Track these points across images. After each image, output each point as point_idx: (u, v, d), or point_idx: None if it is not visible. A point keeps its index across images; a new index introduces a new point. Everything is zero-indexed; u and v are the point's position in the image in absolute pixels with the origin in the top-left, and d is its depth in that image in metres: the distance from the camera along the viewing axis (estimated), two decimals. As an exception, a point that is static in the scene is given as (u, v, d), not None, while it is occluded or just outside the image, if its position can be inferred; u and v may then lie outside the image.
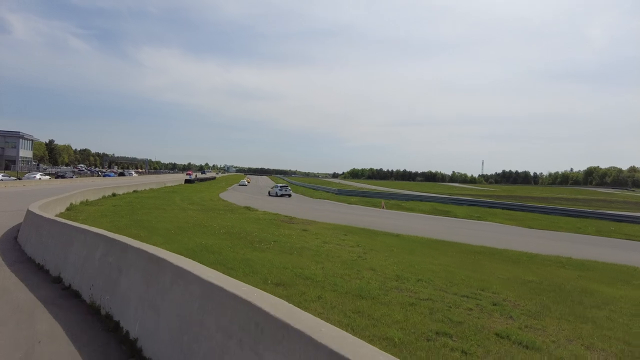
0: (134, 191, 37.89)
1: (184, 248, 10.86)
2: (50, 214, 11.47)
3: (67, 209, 21.40)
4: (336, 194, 51.15)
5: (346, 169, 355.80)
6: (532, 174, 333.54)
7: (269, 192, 49.10)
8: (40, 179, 48.46)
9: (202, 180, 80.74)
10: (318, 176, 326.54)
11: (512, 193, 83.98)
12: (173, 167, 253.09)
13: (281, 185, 49.58)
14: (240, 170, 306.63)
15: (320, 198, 44.18)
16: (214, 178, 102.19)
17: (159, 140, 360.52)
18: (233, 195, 44.05)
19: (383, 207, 31.47)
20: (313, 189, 68.45)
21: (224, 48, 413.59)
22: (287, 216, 21.87)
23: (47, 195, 32.55)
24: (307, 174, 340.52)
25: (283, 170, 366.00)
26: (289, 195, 45.09)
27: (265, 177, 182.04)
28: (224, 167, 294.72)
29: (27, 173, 54.99)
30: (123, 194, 34.33)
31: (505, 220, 26.18)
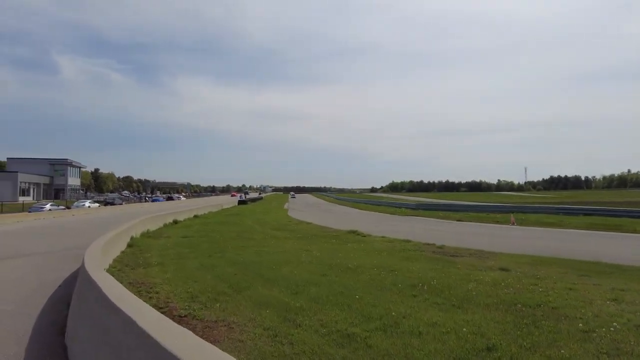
0: (195, 216, 32.77)
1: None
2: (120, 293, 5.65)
3: (129, 245, 15.95)
4: (414, 208, 44.40)
5: (380, 183, 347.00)
6: (582, 178, 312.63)
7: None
8: (89, 206, 44.75)
9: (253, 200, 75.97)
10: (356, 191, 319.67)
11: (582, 199, 73.88)
12: (212, 190, 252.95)
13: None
14: (276, 189, 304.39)
15: (401, 215, 37.53)
16: (261, 198, 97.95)
17: (196, 164, 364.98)
18: (301, 214, 38.24)
19: (513, 223, 24.45)
20: (374, 204, 61.87)
21: (252, 73, 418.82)
22: (430, 244, 15.45)
23: (99, 225, 28.29)
24: (342, 190, 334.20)
25: (318, 188, 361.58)
26: None
27: (307, 195, 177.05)
28: (260, 187, 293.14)
29: (75, 201, 51.62)
30: (184, 220, 29.17)
31: None
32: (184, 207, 39.61)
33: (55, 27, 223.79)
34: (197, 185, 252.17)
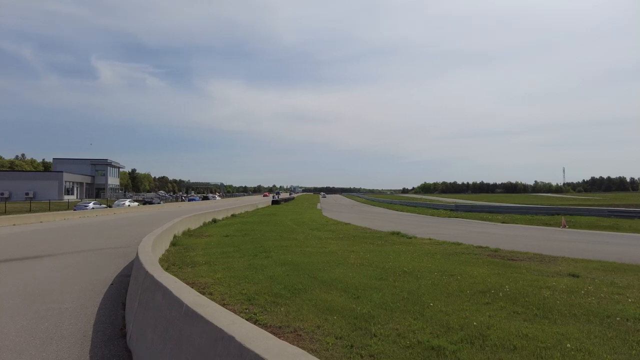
0: (232, 215, 32.90)
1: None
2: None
3: (172, 244, 15.96)
4: (453, 209, 43.08)
5: (410, 184, 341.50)
6: (627, 179, 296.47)
7: None
8: (129, 205, 45.97)
9: (285, 200, 76.16)
10: (386, 192, 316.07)
11: (632, 201, 69.51)
12: (244, 190, 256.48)
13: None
14: (306, 190, 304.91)
15: (442, 216, 36.38)
16: (293, 198, 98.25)
17: (228, 165, 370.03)
18: (337, 215, 37.77)
19: (564, 226, 23.06)
20: (410, 205, 60.60)
21: (282, 75, 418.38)
22: (482, 247, 14.62)
23: (141, 224, 28.98)
24: (371, 191, 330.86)
25: (348, 189, 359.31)
26: None
27: (338, 196, 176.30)
28: (290, 187, 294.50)
29: (116, 200, 53.19)
30: (223, 219, 29.32)
31: None
32: (220, 207, 39.94)
33: (94, 34, 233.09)
34: (230, 186, 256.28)
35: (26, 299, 7.88)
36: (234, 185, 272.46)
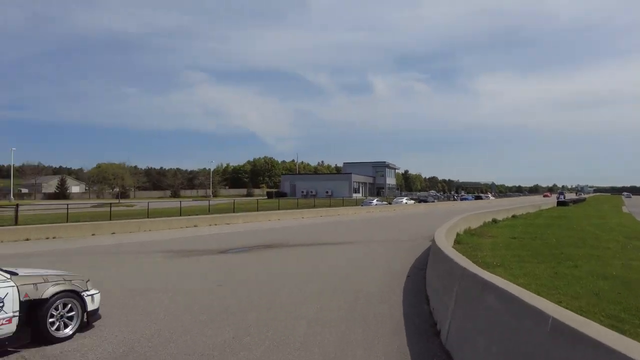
0: (513, 216, 30.03)
1: None
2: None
3: (456, 242, 15.43)
4: None
5: None
6: None
7: None
8: (406, 203, 49.03)
9: (574, 201, 64.68)
10: None
11: None
12: (518, 190, 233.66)
13: None
14: (599, 190, 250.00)
15: None
16: (584, 199, 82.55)
17: (498, 164, 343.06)
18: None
19: None
20: None
21: (564, 58, 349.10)
22: None
23: (420, 220, 30.00)
24: None
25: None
26: None
27: None
28: (577, 187, 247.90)
29: (394, 198, 57.89)
30: (503, 219, 27.09)
31: None
32: (496, 207, 37.36)
33: (371, 52, 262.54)
34: (502, 185, 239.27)
35: (342, 279, 8.95)
36: (505, 185, 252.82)
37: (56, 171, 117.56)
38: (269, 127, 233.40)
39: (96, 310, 5.50)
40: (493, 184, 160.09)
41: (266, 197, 71.32)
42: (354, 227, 23.74)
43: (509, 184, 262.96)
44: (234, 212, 28.51)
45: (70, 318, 5.08)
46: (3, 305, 4.46)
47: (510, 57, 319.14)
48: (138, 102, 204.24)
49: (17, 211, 20.72)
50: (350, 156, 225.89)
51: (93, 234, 18.15)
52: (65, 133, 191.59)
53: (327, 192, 73.31)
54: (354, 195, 74.51)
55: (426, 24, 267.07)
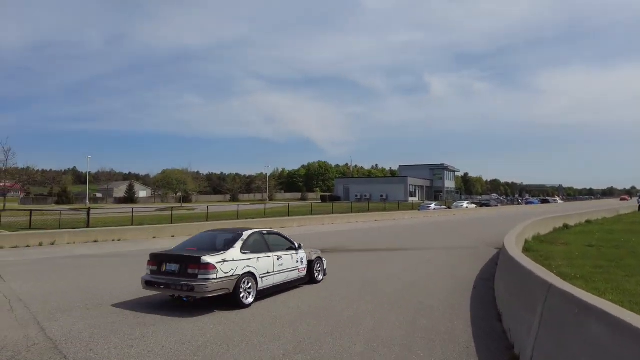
0: (587, 221, 27.46)
1: None
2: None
3: (525, 250, 14.13)
4: None
5: None
6: None
7: None
8: (466, 207, 46.87)
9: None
10: None
11: None
12: (590, 193, 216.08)
13: None
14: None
15: None
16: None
17: (565, 165, 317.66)
18: None
19: None
20: None
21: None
22: None
23: (482, 225, 28.18)
24: None
25: None
26: None
27: None
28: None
29: (454, 202, 55.54)
30: (575, 225, 24.83)
31: None
32: (566, 211, 34.56)
33: (427, 52, 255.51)
34: (570, 188, 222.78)
35: (400, 290, 8.36)
36: (574, 188, 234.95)
37: (126, 177, 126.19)
38: (323, 132, 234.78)
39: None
40: (560, 186, 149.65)
41: (320, 201, 71.46)
42: (411, 232, 22.83)
43: (579, 186, 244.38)
44: (288, 215, 28.63)
45: (319, 270, 9.20)
46: (303, 261, 8.57)
47: (577, 51, 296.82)
48: (200, 110, 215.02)
49: (89, 215, 22.19)
50: (406, 159, 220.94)
51: (154, 237, 18.84)
52: (135, 141, 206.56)
53: (381, 195, 72.04)
54: (410, 199, 72.56)
55: (487, 19, 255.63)
